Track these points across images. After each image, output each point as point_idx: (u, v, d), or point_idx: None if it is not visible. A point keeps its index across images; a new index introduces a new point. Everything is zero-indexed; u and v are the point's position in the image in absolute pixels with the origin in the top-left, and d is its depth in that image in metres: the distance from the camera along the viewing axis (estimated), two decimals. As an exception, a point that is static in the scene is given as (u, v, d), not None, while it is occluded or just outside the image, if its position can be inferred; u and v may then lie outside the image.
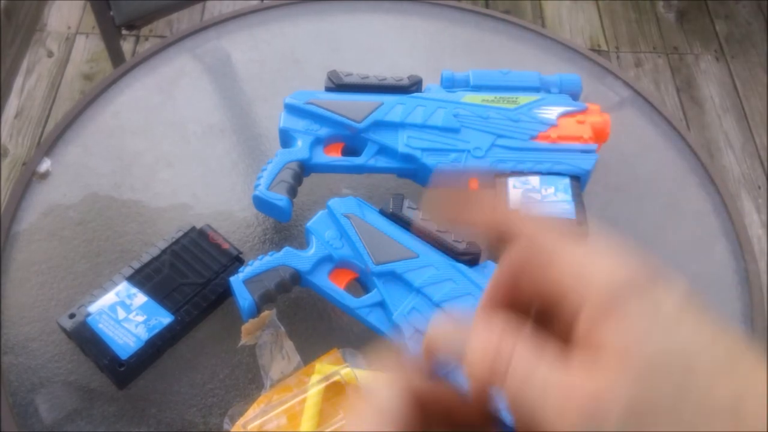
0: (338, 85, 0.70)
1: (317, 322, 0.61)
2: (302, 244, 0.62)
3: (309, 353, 0.57)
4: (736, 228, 0.70)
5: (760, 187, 1.70)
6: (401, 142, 0.66)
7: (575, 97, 0.71)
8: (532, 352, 0.24)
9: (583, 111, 0.69)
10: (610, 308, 0.23)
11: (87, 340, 0.57)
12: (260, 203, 0.64)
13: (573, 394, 0.22)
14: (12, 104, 1.71)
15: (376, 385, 0.27)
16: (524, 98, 0.69)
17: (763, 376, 0.21)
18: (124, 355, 0.56)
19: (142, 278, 0.60)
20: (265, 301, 0.58)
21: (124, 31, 1.14)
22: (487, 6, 1.99)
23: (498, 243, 0.27)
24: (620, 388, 0.22)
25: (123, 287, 0.60)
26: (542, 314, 0.27)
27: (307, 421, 0.53)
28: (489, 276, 0.57)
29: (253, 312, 0.57)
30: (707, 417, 0.21)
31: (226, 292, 0.61)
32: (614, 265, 0.24)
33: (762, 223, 1.65)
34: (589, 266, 0.24)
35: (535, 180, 0.64)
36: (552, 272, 0.25)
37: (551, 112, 0.68)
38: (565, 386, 0.23)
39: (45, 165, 0.72)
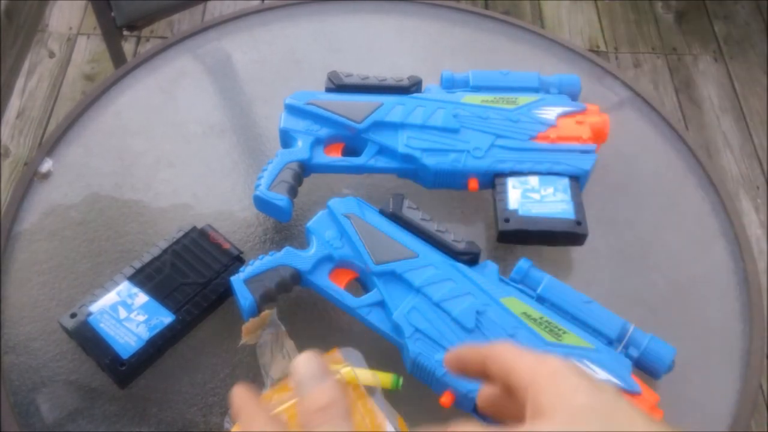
0: (338, 86, 0.70)
1: (317, 321, 0.61)
2: (303, 244, 0.62)
3: (309, 352, 0.57)
4: (735, 228, 0.70)
5: (758, 188, 1.71)
6: (401, 143, 0.66)
7: (574, 97, 0.72)
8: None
9: (582, 111, 0.69)
10: (546, 383, 0.32)
11: (88, 340, 0.57)
12: (261, 203, 0.64)
13: None
14: (14, 105, 1.71)
15: None
16: (523, 99, 0.70)
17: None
18: (125, 354, 0.56)
19: (143, 278, 0.61)
20: (265, 300, 0.58)
21: (125, 32, 1.14)
22: (486, 7, 2.00)
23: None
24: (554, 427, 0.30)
25: (124, 287, 0.60)
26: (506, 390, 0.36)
27: (307, 420, 0.53)
28: (488, 275, 0.58)
29: (254, 311, 0.57)
30: None
31: (227, 292, 0.61)
32: (548, 359, 0.33)
33: (760, 223, 1.65)
34: (532, 363, 0.33)
35: (534, 180, 0.65)
36: (510, 367, 0.34)
37: (550, 113, 0.68)
38: None
39: (46, 165, 0.72)
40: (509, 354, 0.35)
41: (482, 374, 0.37)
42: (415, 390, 0.55)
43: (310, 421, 0.32)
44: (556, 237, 0.63)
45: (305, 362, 0.34)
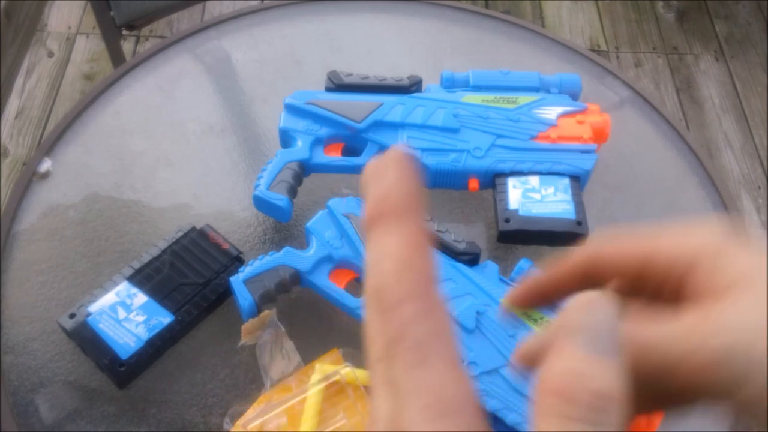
0: (338, 86, 0.70)
1: (317, 322, 0.61)
2: (302, 244, 0.62)
3: (309, 353, 0.57)
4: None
5: (759, 188, 1.70)
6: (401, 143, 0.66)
7: (575, 97, 0.71)
8: (640, 318, 0.24)
9: (583, 111, 0.69)
10: (722, 255, 0.25)
11: (87, 340, 0.57)
12: (260, 203, 0.64)
13: (704, 335, 0.22)
14: (12, 104, 1.71)
15: None
16: (524, 98, 0.69)
17: None
18: (124, 354, 0.56)
19: (142, 278, 0.61)
20: (265, 300, 0.58)
21: (124, 32, 1.14)
22: (487, 6, 2.00)
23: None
24: (760, 310, 0.22)
25: (123, 287, 0.60)
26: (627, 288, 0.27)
27: (307, 421, 0.53)
28: (489, 276, 0.57)
29: (253, 312, 0.57)
30: None
31: (227, 292, 0.61)
32: (707, 229, 0.26)
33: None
34: (687, 235, 0.26)
35: (534, 180, 0.64)
36: (651, 247, 0.26)
37: (551, 112, 0.68)
38: (692, 331, 0.22)
39: (45, 165, 0.72)
40: (635, 244, 0.27)
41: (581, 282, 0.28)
42: (415, 391, 0.55)
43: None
44: (557, 237, 0.63)
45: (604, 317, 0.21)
